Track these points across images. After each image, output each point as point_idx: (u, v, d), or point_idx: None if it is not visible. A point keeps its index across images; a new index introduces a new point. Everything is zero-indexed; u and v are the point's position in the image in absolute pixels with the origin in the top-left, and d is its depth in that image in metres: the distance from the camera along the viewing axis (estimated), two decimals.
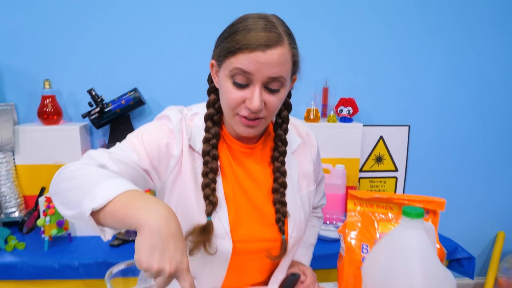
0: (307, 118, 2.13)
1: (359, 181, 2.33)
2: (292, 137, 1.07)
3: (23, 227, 1.85)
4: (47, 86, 1.95)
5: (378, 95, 2.32)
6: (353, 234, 0.93)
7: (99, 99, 1.95)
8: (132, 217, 0.65)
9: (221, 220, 0.96)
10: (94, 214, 0.69)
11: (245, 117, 0.90)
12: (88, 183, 0.72)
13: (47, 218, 1.69)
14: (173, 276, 0.63)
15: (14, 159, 1.94)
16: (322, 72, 2.22)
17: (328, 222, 1.98)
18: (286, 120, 1.02)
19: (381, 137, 2.34)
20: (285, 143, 1.02)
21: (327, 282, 1.14)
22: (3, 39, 2.00)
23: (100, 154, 0.86)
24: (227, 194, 0.98)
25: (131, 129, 2.04)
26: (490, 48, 2.34)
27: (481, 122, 2.43)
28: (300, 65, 0.95)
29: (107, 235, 0.72)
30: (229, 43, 0.86)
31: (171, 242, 0.63)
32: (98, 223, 0.70)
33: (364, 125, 2.20)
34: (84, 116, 1.97)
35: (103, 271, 1.09)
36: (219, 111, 0.97)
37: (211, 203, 0.94)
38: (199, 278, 1.03)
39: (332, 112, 2.16)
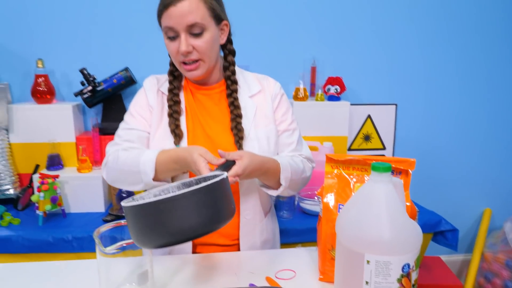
0: (295, 97, 2.16)
1: None
2: (252, 83, 1.25)
3: (18, 203, 1.89)
4: (40, 65, 1.98)
5: (365, 74, 2.36)
6: (330, 195, 0.98)
7: (91, 78, 1.98)
8: (181, 156, 1.02)
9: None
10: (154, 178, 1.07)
11: (184, 63, 1.12)
12: (133, 167, 1.08)
13: (41, 194, 1.73)
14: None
15: (8, 137, 1.98)
16: (310, 51, 2.26)
17: (316, 198, 2.03)
18: (232, 63, 1.21)
19: (369, 116, 2.39)
20: (234, 81, 1.20)
21: (311, 246, 1.20)
22: None
23: (114, 146, 1.19)
24: (188, 129, 1.19)
25: (123, 108, 2.06)
26: (473, 25, 2.38)
27: (468, 99, 2.47)
28: (222, 11, 1.14)
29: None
30: (158, 8, 1.10)
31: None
32: (158, 180, 1.08)
33: (351, 104, 2.23)
34: (76, 94, 2.01)
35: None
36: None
37: (176, 135, 1.16)
38: None
39: (320, 91, 2.19)
